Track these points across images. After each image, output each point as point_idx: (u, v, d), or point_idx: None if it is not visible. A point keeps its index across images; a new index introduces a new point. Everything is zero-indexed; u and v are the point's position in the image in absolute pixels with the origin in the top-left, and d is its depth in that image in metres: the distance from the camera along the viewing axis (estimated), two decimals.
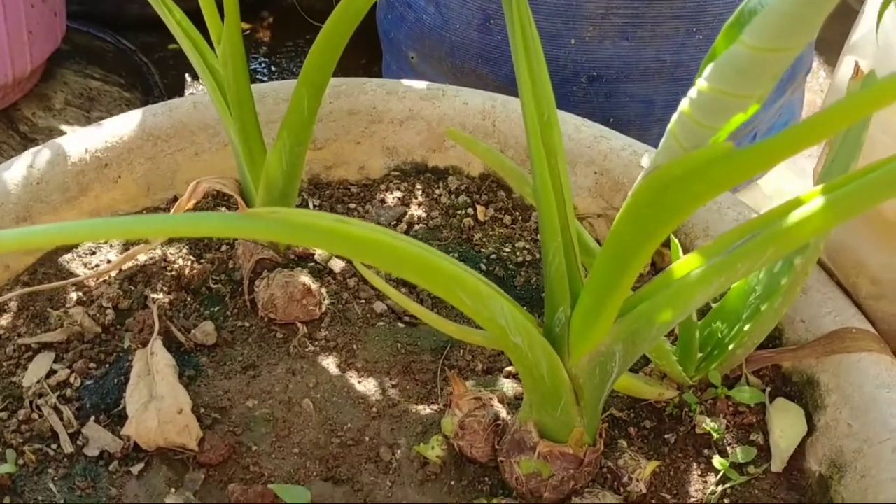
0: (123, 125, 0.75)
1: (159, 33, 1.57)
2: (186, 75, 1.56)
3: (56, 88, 1.44)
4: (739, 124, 0.37)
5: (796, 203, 0.44)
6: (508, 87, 0.91)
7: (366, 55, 1.52)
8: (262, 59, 1.61)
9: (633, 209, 0.41)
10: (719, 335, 0.63)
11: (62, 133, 1.37)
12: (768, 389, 0.64)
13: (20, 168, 0.70)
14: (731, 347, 0.62)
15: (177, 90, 1.54)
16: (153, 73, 1.53)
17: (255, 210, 0.40)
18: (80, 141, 0.73)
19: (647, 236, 0.42)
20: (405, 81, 0.81)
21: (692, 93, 0.36)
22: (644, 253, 0.42)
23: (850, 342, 0.61)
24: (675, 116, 0.38)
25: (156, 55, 1.57)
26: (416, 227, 0.78)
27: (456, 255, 0.75)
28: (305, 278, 0.69)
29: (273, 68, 1.59)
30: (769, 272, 0.60)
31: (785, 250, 0.45)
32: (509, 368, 0.68)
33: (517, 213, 0.81)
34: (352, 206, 0.81)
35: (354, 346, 0.68)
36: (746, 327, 0.61)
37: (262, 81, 1.01)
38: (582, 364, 0.51)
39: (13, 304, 0.68)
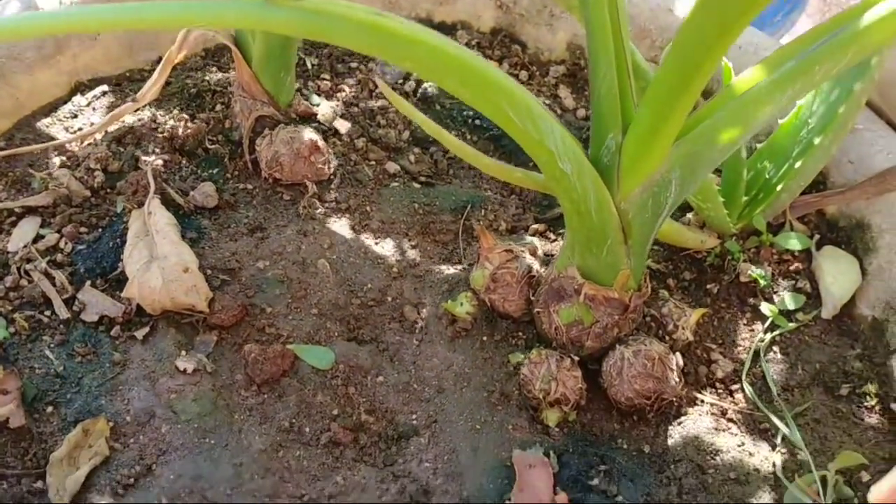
0: None
1: None
2: None
3: None
4: None
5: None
6: None
7: None
8: None
9: None
10: (766, 176, 0.59)
11: None
12: (816, 237, 0.61)
13: None
14: (778, 189, 0.58)
15: None
16: None
17: None
18: None
19: (721, 29, 0.36)
20: None
21: None
22: (718, 51, 0.37)
23: None
24: None
25: None
26: (426, 83, 0.72)
27: (471, 113, 0.70)
28: (312, 134, 0.63)
29: None
30: (825, 101, 0.55)
31: (867, 52, 0.40)
32: (535, 226, 0.63)
33: (534, 67, 0.76)
34: (353, 64, 0.75)
35: (368, 208, 0.63)
36: (797, 164, 0.56)
37: None
38: (633, 196, 0.46)
39: None
